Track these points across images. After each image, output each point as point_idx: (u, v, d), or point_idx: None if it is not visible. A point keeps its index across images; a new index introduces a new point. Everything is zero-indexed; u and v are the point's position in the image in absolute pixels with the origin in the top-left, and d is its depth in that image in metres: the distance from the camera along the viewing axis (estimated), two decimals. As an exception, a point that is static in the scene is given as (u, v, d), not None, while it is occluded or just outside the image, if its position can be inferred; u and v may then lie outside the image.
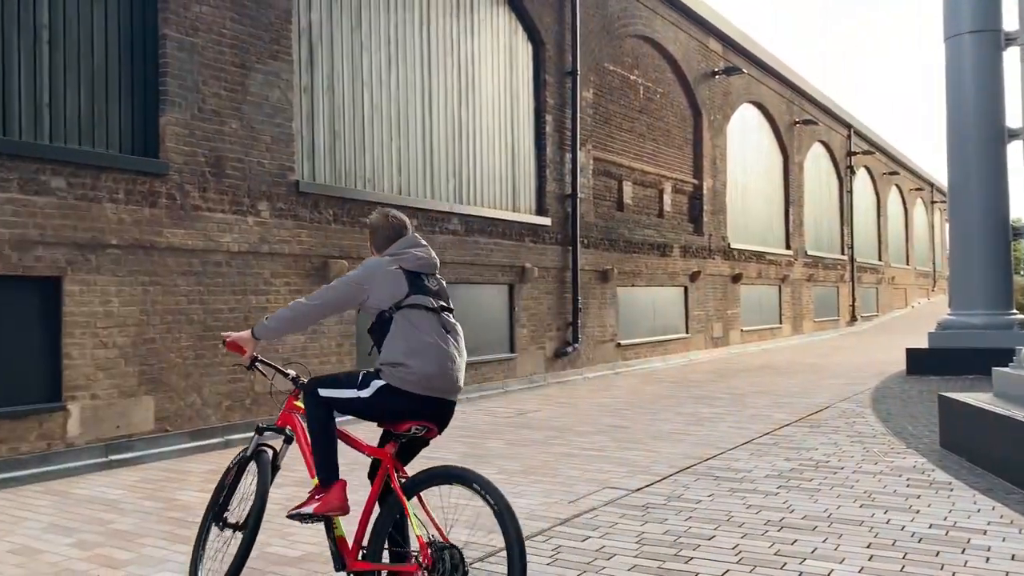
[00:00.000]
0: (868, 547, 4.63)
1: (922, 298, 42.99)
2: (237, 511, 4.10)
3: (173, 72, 7.84)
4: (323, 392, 3.74)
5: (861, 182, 31.97)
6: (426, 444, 3.97)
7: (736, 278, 19.89)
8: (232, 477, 4.15)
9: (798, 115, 24.53)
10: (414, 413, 3.66)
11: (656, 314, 16.71)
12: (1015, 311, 13.98)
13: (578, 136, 13.97)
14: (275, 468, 4.06)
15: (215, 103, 8.20)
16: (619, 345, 15.23)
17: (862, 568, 4.29)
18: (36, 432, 6.78)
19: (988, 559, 4.40)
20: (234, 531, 4.01)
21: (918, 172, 42.46)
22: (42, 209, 6.84)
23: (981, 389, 8.35)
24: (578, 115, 13.97)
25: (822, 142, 27.20)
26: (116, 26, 7.56)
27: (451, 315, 3.84)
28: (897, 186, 38.11)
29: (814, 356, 18.46)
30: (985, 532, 4.88)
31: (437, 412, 3.73)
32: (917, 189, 42.36)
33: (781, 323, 22.91)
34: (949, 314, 14.37)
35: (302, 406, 3.91)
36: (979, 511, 5.34)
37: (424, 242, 3.94)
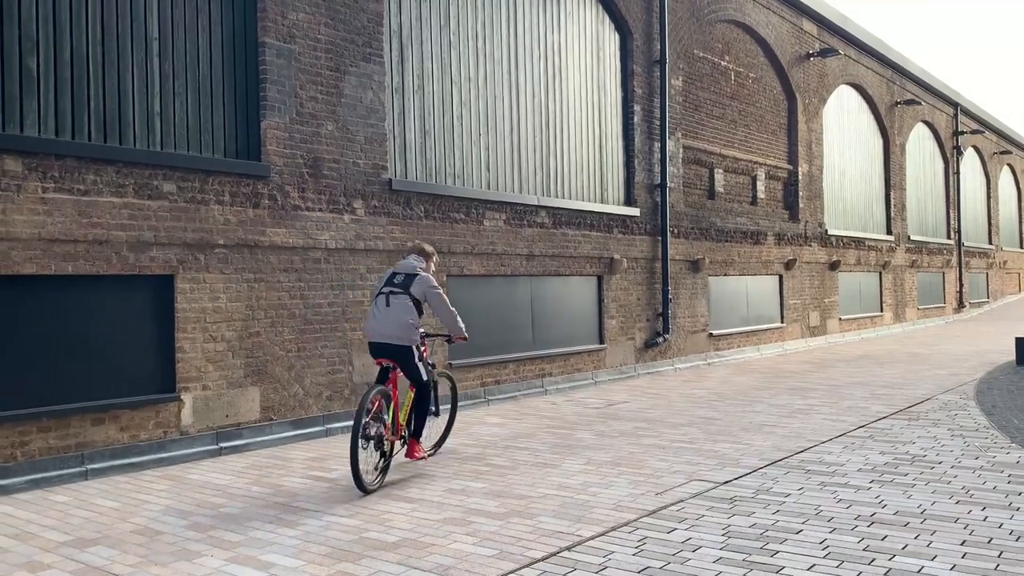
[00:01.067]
0: (962, 544, 4.55)
1: (1038, 283, 40.70)
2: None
3: (272, 78, 8.22)
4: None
5: (969, 163, 30.52)
6: (395, 370, 6.58)
7: (834, 265, 19.36)
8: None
9: (899, 95, 23.61)
10: (375, 352, 6.54)
11: (750, 303, 16.46)
12: None
13: (667, 125, 13.87)
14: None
15: (312, 107, 8.56)
16: (711, 335, 15.08)
17: (954, 566, 4.23)
18: (153, 421, 7.28)
19: (1091, 560, 4.27)
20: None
21: (1033, 150, 40.16)
22: (155, 212, 7.31)
23: (1094, 382, 7.97)
24: (667, 103, 13.87)
25: (926, 122, 26.10)
26: (219, 35, 7.99)
27: (397, 294, 6.51)
28: (1009, 165, 36.19)
29: (916, 345, 17.84)
30: (1090, 532, 4.72)
31: (381, 349, 6.50)
32: (1032, 168, 40.09)
33: (882, 311, 22.17)
34: (1063, 301, 13.67)
35: None
36: (1085, 510, 5.16)
37: (408, 257, 6.85)
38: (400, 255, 9.39)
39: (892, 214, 22.99)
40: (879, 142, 22.86)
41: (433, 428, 7.22)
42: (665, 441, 7.77)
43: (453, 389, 7.63)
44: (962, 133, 28.63)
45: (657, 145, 13.82)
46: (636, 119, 13.43)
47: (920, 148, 25.74)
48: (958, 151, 28.30)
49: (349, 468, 6.22)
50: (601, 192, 12.89)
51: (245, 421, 7.91)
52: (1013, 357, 13.59)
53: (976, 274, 30.59)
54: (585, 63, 12.68)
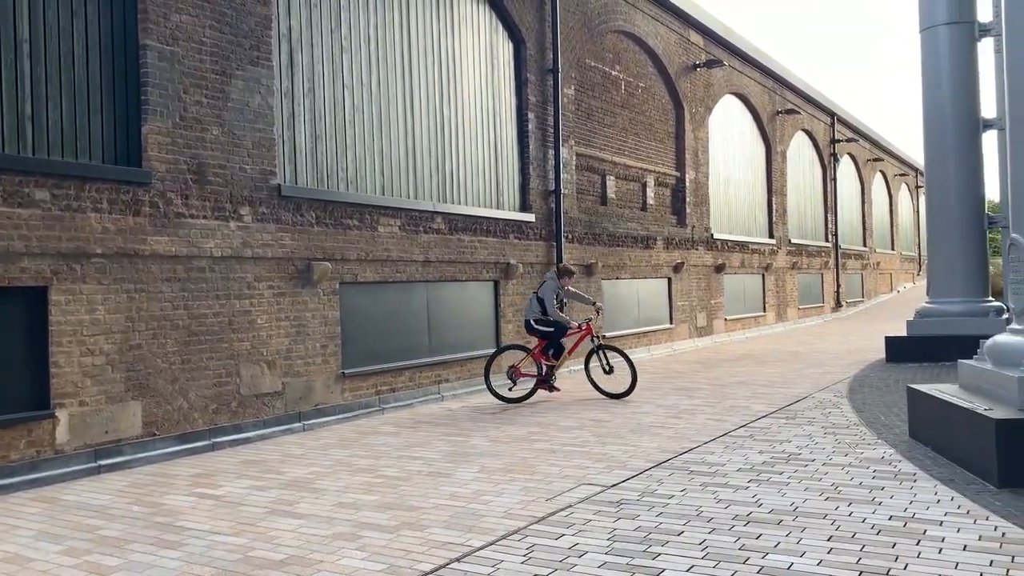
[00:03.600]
0: (828, 540, 4.83)
1: (907, 283, 43.36)
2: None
3: (154, 82, 7.95)
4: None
5: (845, 169, 32.21)
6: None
7: (719, 268, 20.10)
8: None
9: (780, 105, 24.71)
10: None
11: (640, 306, 16.91)
12: (991, 298, 14.24)
13: (560, 132, 14.11)
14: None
15: (196, 111, 8.32)
16: (604, 337, 15.39)
17: (821, 561, 4.49)
18: (25, 440, 6.93)
19: (941, 550, 4.61)
20: (608, 373, 11.14)
21: (902, 157, 42.76)
22: (27, 221, 6.96)
23: (953, 379, 8.57)
24: (560, 112, 14.11)
25: (805, 131, 27.40)
26: (96, 37, 7.67)
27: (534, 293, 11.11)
28: (882, 172, 38.39)
29: (797, 344, 18.71)
30: (941, 523, 5.09)
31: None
32: (901, 174, 42.67)
33: (765, 311, 23.16)
34: (927, 302, 14.63)
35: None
36: (939, 502, 5.55)
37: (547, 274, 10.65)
38: (290, 262, 9.24)
39: (774, 218, 24.04)
40: (762, 149, 23.87)
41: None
42: (557, 445, 7.92)
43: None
44: (839, 141, 30.20)
45: (551, 152, 14.04)
46: (531, 126, 13.61)
47: (800, 155, 27.01)
48: (835, 158, 29.84)
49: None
50: (497, 198, 13.00)
51: (126, 437, 7.63)
52: (883, 355, 14.44)
53: (852, 275, 32.31)
54: (480, 70, 12.76)
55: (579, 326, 11.05)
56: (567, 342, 11.06)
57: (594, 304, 11.67)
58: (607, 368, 11.03)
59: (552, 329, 10.95)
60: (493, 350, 12.59)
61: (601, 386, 11.00)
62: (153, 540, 5.23)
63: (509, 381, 11.07)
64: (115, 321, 7.58)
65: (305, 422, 9.25)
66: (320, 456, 7.80)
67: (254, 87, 8.91)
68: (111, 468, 7.36)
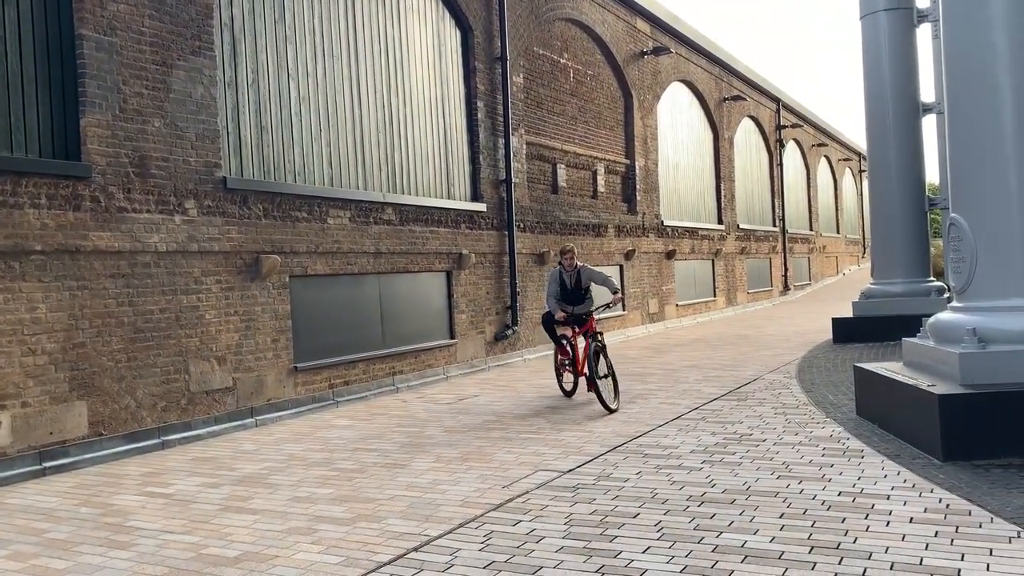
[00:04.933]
0: (781, 517, 4.93)
1: (852, 265, 44.35)
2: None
3: (92, 73, 7.73)
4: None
5: (791, 155, 32.76)
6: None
7: (670, 254, 20.31)
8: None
9: (727, 92, 25.01)
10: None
11: (593, 293, 16.96)
12: (932, 278, 14.63)
13: (510, 121, 14.09)
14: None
15: (137, 102, 8.12)
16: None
17: (773, 538, 4.57)
18: (-35, 443, 6.72)
19: (888, 523, 4.73)
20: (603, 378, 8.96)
21: (846, 143, 43.63)
22: (-40, 217, 6.73)
23: (897, 357, 8.79)
24: (509, 100, 14.08)
25: (751, 117, 27.79)
26: (30, 27, 7.42)
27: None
28: (826, 157, 39.13)
29: (746, 327, 19.01)
30: (888, 497, 5.22)
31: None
32: (845, 159, 43.56)
33: (715, 296, 23.48)
34: (871, 283, 14.98)
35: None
36: (885, 477, 5.69)
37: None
38: (238, 256, 9.09)
39: (723, 204, 24.35)
40: (709, 136, 24.15)
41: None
42: (512, 433, 7.93)
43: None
44: (784, 127, 30.70)
45: (501, 141, 14.02)
46: (480, 115, 13.56)
47: (747, 141, 27.39)
48: (781, 144, 30.33)
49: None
50: (448, 188, 12.94)
51: (72, 438, 7.44)
52: (830, 336, 14.75)
53: (799, 258, 32.92)
54: (428, 59, 12.67)
55: (565, 315, 9.61)
56: (579, 339, 9.59)
57: (614, 290, 9.83)
58: (602, 373, 9.01)
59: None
60: (448, 341, 12.57)
61: (604, 398, 8.79)
62: (103, 541, 5.12)
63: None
64: (57, 319, 7.38)
65: (257, 417, 9.13)
66: (273, 451, 7.70)
67: (196, 77, 8.72)
68: (57, 470, 7.17)
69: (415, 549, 4.70)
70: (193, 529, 5.28)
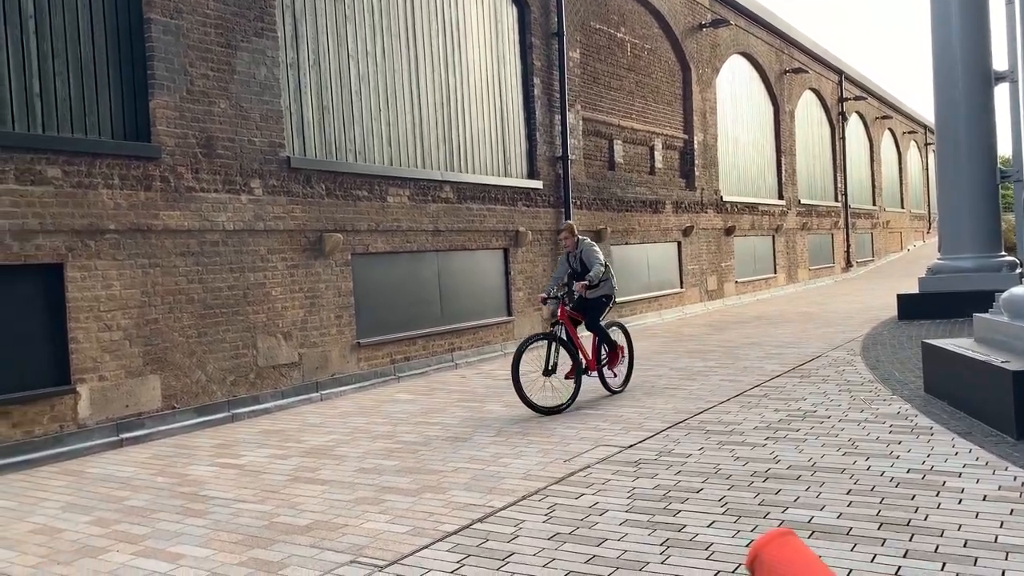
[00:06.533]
0: (848, 494, 4.87)
1: (917, 240, 43.15)
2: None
3: (160, 55, 7.92)
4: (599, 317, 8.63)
5: (853, 128, 31.93)
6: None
7: (729, 231, 20.03)
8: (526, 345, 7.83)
9: (788, 64, 24.45)
10: None
11: (650, 270, 16.90)
12: (1004, 253, 14.16)
13: (567, 97, 14.01)
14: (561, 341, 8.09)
15: (203, 84, 8.29)
16: (614, 303, 15.40)
17: (841, 514, 4.53)
18: (48, 415, 7.01)
19: (961, 500, 4.64)
20: (548, 376, 7.96)
21: (911, 115, 42.33)
22: (40, 198, 6.98)
23: (967, 334, 8.56)
24: (566, 76, 14.00)
25: (813, 90, 27.13)
26: (101, 12, 7.63)
27: None
28: (890, 130, 38.04)
29: (808, 304, 18.69)
30: (960, 475, 5.11)
31: None
32: (910, 132, 42.28)
33: (776, 273, 23.10)
34: (939, 258, 14.56)
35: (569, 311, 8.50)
36: (956, 454, 5.58)
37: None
38: (302, 234, 9.26)
39: (783, 179, 23.89)
40: (770, 110, 23.66)
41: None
42: (572, 408, 7.96)
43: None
44: (846, 100, 29.90)
45: (558, 118, 13.96)
46: (536, 92, 13.51)
47: (808, 115, 26.77)
48: (843, 117, 29.57)
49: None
50: (504, 165, 12.95)
51: (146, 410, 7.71)
52: (895, 312, 14.42)
53: (862, 234, 32.16)
54: (485, 36, 12.66)
55: (542, 299, 8.69)
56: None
57: (587, 278, 8.43)
58: (547, 367, 7.96)
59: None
60: (506, 317, 12.63)
61: (530, 396, 7.72)
62: (179, 509, 5.31)
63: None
64: (131, 296, 7.63)
65: (322, 391, 9.33)
66: (339, 424, 7.87)
67: (259, 59, 8.87)
68: (133, 441, 7.45)
69: (480, 520, 4.78)
70: (265, 498, 5.45)
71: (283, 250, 9.05)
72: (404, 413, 8.24)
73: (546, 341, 8.10)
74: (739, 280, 20.68)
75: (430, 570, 4.07)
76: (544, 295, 8.70)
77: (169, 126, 7.98)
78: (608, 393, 8.58)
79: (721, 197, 19.80)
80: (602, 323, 8.73)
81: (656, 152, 17.24)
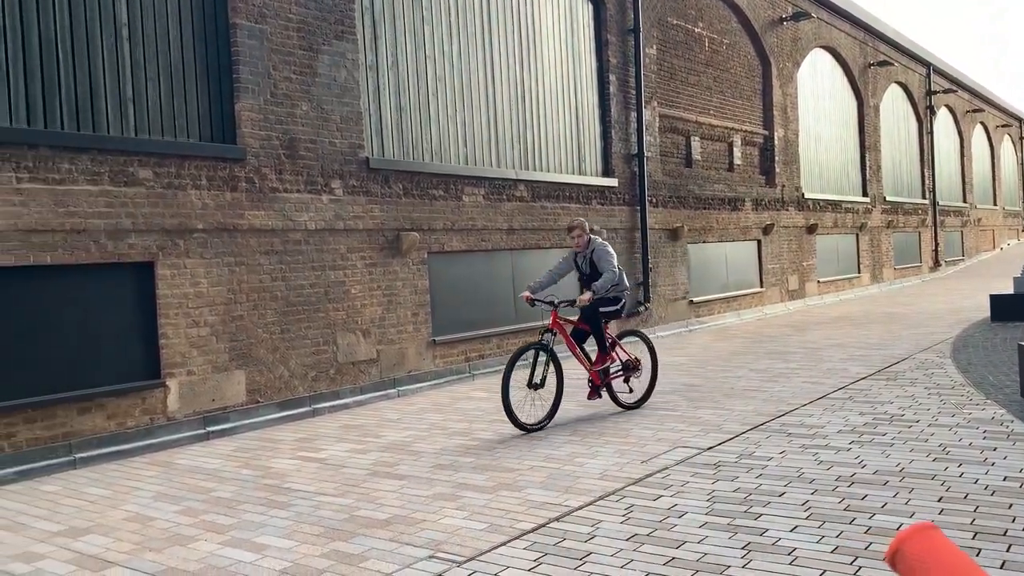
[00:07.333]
0: (939, 501, 4.69)
1: (1011, 239, 41.30)
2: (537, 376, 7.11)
3: (245, 60, 8.15)
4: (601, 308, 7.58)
5: (942, 122, 30.74)
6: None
7: (811, 229, 19.53)
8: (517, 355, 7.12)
9: (872, 57, 23.69)
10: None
11: (729, 269, 16.60)
12: (1107, 252, 13.42)
13: (643, 94, 13.87)
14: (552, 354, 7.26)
15: (286, 87, 8.50)
16: (691, 302, 15.21)
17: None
18: (139, 407, 7.29)
19: (1062, 511, 4.41)
20: (535, 389, 7.16)
21: (1005, 107, 40.50)
22: (132, 199, 7.27)
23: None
24: (642, 72, 13.86)
25: (899, 83, 26.23)
26: (189, 18, 7.89)
27: None
28: (982, 124, 36.48)
29: (894, 305, 18.08)
30: (1061, 484, 4.87)
31: None
32: (1004, 126, 40.47)
33: (859, 272, 22.42)
34: (1036, 258, 13.90)
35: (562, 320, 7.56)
36: (1057, 462, 5.31)
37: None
38: (380, 233, 9.40)
39: (868, 175, 23.17)
40: (853, 104, 22.97)
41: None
42: (648, 409, 7.88)
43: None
44: (935, 93, 28.81)
45: (633, 115, 13.83)
46: (612, 89, 13.42)
47: (894, 109, 25.89)
48: (931, 111, 28.49)
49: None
50: (579, 164, 12.90)
51: (231, 404, 7.94)
52: (988, 314, 13.83)
53: (951, 232, 30.95)
54: (559, 34, 12.63)
55: (527, 299, 7.66)
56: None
57: (592, 288, 7.51)
58: (536, 381, 7.16)
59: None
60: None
61: (518, 414, 7.08)
62: (263, 501, 5.45)
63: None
64: (218, 293, 7.87)
65: (399, 388, 9.46)
66: (416, 420, 7.97)
67: (340, 61, 9.04)
68: (219, 434, 7.68)
69: (557, 519, 4.76)
70: (345, 492, 5.55)
71: (362, 249, 9.21)
72: (479, 411, 8.29)
73: (533, 352, 7.25)
74: (821, 280, 20.15)
75: (507, 567, 4.07)
76: (528, 294, 7.59)
77: (254, 128, 8.21)
78: (621, 409, 7.83)
79: (802, 194, 19.31)
80: (611, 332, 7.77)
81: (735, 148, 16.93)
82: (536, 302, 7.55)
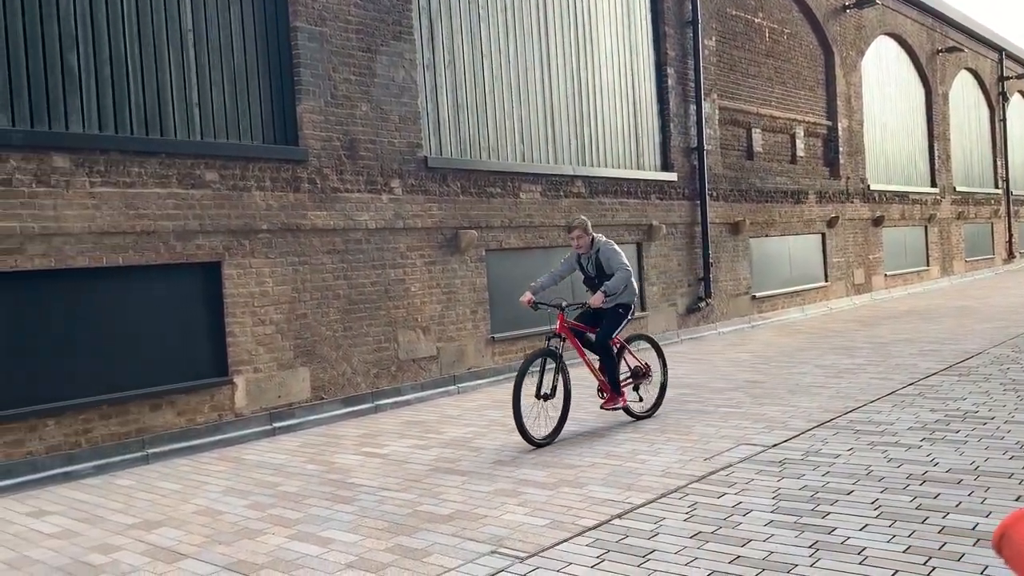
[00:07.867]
0: (1017, 500, 4.53)
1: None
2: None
3: (305, 62, 8.28)
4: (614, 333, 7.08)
5: (1016, 108, 29.63)
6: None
7: (877, 221, 19.03)
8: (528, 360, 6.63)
9: (940, 43, 22.95)
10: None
11: (792, 264, 16.28)
12: None
13: (702, 86, 13.69)
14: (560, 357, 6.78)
15: (346, 88, 8.61)
16: (754, 298, 14.97)
17: None
18: (208, 404, 7.48)
19: None
20: (545, 400, 6.69)
21: (1083, 92, 38.81)
22: (199, 201, 7.45)
23: None
24: (701, 64, 13.68)
25: (969, 69, 25.36)
26: (251, 23, 8.06)
27: None
28: (1059, 109, 35.03)
29: (965, 299, 17.52)
30: None
31: None
32: (1083, 110, 38.78)
33: (928, 265, 21.77)
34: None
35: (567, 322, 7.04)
36: None
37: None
38: (439, 231, 9.47)
39: (936, 165, 22.48)
40: (921, 92, 22.31)
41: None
42: (710, 406, 7.78)
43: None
44: (1007, 78, 27.80)
45: (692, 107, 13.66)
46: (670, 82, 13.27)
47: (964, 96, 25.06)
48: (1004, 97, 27.50)
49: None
50: (637, 158, 12.80)
51: (297, 401, 8.09)
52: (1066, 307, 13.30)
53: (1026, 223, 29.84)
54: (616, 28, 12.54)
55: (529, 302, 7.14)
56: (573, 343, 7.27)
57: (603, 288, 6.99)
58: (546, 391, 6.70)
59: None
60: (639, 313, 12.48)
61: (528, 428, 6.49)
62: (328, 496, 5.54)
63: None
64: (282, 292, 8.03)
65: (459, 384, 9.52)
66: (476, 416, 8.01)
67: (398, 61, 9.12)
68: (284, 430, 7.84)
69: (619, 516, 4.74)
70: (408, 487, 5.61)
71: (421, 247, 9.29)
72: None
73: (543, 360, 6.72)
74: (888, 273, 19.62)
75: (570, 563, 4.07)
76: (530, 295, 7.07)
77: (315, 130, 8.34)
78: (632, 419, 7.33)
79: (868, 186, 18.83)
80: (619, 337, 7.23)
81: (797, 140, 16.59)
82: (540, 305, 7.05)
